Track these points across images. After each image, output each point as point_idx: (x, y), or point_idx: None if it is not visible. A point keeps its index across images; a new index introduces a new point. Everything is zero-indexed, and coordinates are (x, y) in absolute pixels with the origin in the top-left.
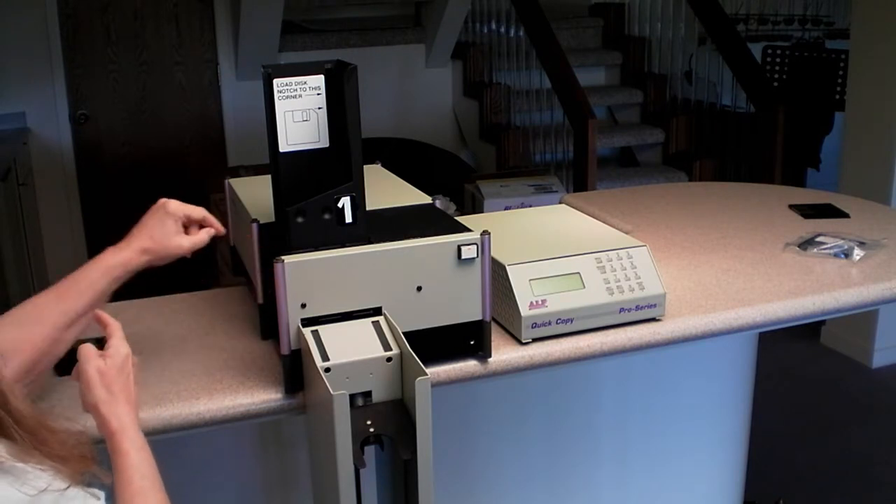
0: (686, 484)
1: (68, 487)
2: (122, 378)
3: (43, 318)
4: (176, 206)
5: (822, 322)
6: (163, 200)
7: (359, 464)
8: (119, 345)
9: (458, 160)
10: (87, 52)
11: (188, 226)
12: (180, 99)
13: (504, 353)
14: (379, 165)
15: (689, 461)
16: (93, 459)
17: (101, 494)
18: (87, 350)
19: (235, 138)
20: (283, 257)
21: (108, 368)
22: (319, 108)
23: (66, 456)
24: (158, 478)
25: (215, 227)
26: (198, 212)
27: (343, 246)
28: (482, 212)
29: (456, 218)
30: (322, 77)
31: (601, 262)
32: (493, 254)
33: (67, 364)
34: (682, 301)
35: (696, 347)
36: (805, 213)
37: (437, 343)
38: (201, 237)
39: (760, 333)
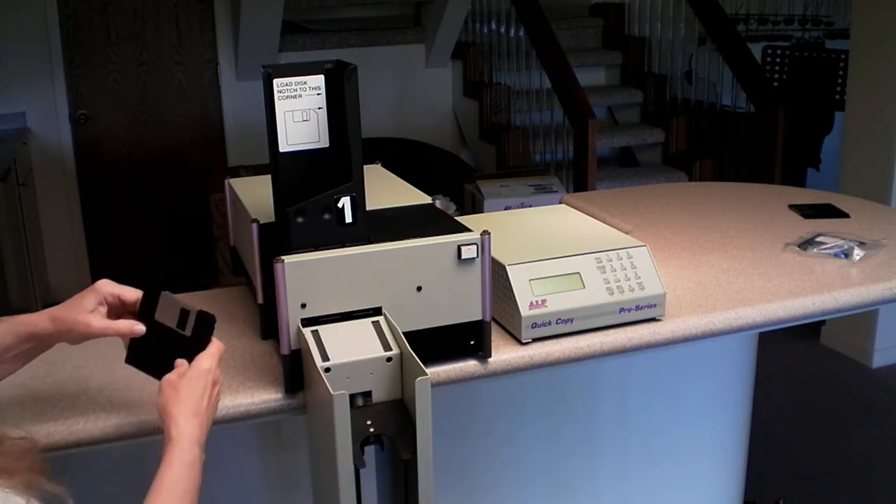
0: (686, 484)
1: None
2: (193, 390)
3: None
4: (104, 286)
5: (822, 322)
6: (100, 281)
7: (359, 464)
8: (202, 360)
9: (458, 160)
10: (87, 52)
11: (118, 309)
12: (180, 99)
13: (504, 353)
14: (379, 165)
15: (689, 461)
16: (41, 471)
17: None
18: (178, 365)
19: (235, 138)
20: (283, 257)
21: (178, 379)
22: (319, 108)
23: (14, 469)
24: (191, 499)
25: (135, 327)
26: (131, 295)
27: (343, 246)
28: (482, 212)
29: (456, 218)
30: (322, 77)
31: (601, 262)
32: (493, 254)
33: (140, 354)
34: (682, 301)
35: (696, 347)
36: (805, 213)
37: (437, 343)
38: (116, 326)
39: (760, 333)
